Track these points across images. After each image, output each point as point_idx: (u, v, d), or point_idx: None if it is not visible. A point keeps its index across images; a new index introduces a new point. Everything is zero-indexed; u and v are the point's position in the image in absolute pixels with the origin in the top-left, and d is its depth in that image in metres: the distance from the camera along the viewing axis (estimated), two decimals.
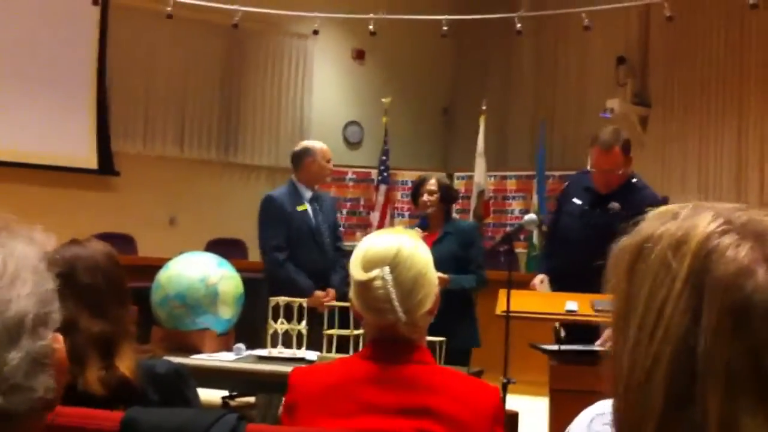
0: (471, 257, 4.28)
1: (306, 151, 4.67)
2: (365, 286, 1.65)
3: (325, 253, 4.55)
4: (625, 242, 0.73)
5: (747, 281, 0.63)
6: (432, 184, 4.36)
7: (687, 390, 0.63)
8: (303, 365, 3.31)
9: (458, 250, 4.20)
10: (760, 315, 0.62)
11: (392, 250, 1.67)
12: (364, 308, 1.68)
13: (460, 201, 9.27)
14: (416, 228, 4.30)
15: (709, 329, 0.63)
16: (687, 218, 0.70)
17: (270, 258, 4.48)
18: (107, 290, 1.83)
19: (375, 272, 1.65)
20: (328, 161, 4.67)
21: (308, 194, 4.61)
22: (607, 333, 3.45)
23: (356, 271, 1.67)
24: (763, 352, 0.62)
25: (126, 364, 1.79)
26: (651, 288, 0.67)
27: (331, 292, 4.41)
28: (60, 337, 0.87)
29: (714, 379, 0.62)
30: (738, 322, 0.63)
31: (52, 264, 1.73)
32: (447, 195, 4.41)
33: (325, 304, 3.90)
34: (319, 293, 4.35)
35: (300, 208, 4.54)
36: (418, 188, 4.42)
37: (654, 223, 0.71)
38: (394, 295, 1.63)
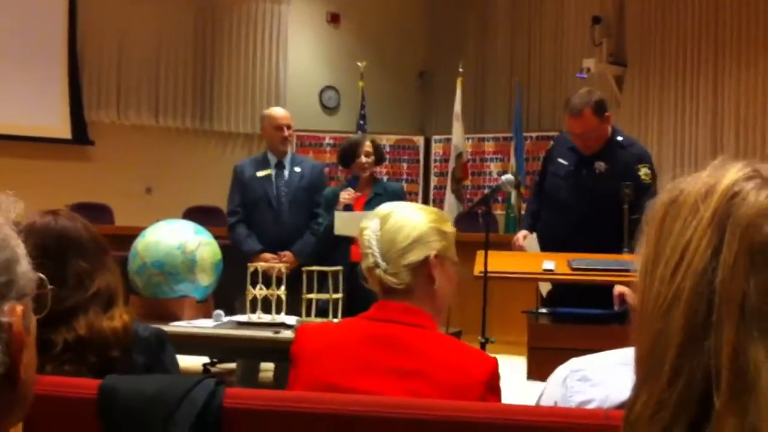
0: None
1: (261, 119, 4.85)
2: (359, 235, 1.81)
3: (281, 218, 4.55)
4: (661, 197, 0.76)
5: (765, 222, 0.67)
6: (368, 146, 4.38)
7: (704, 322, 0.67)
8: (283, 331, 3.35)
9: None
10: None
11: (390, 207, 1.82)
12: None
13: (438, 164, 9.29)
14: (347, 189, 4.32)
15: (727, 266, 0.67)
16: (717, 168, 0.73)
17: (227, 222, 4.66)
18: (100, 247, 1.84)
19: (366, 223, 1.80)
20: (279, 128, 4.62)
21: (274, 160, 4.64)
22: (618, 289, 3.46)
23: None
24: None
25: (129, 312, 1.83)
26: (679, 230, 0.71)
27: (287, 255, 4.41)
28: (18, 308, 0.86)
29: (729, 313, 0.66)
30: (754, 259, 0.66)
31: (45, 234, 1.74)
32: (379, 156, 4.46)
33: (277, 266, 3.81)
34: (266, 256, 4.35)
35: (261, 174, 4.57)
36: (353, 150, 4.41)
37: (688, 178, 0.75)
38: (374, 242, 1.76)
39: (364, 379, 1.66)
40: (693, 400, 0.67)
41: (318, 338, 1.77)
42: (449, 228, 1.85)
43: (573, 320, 3.56)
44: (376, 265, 1.76)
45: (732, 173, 0.71)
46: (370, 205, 4.12)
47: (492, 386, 1.69)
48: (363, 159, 4.36)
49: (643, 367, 0.73)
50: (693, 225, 0.70)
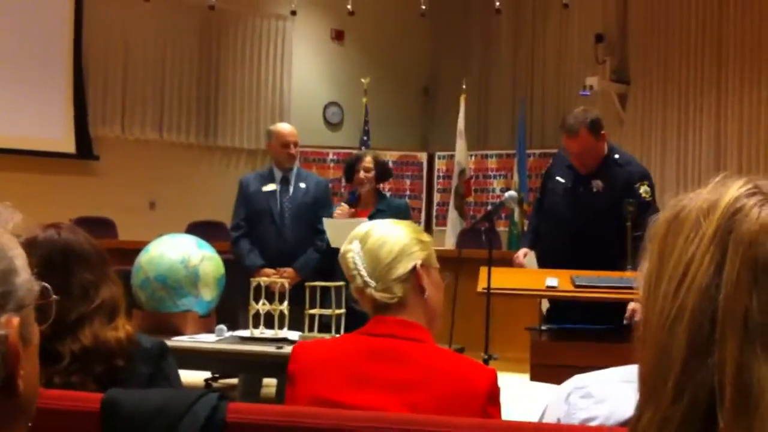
0: None
1: (268, 135, 4.83)
2: (342, 259, 1.82)
3: (284, 233, 4.55)
4: (663, 214, 0.76)
5: (762, 237, 0.67)
6: (368, 161, 4.41)
7: (708, 339, 0.67)
8: (286, 346, 3.34)
9: None
10: None
11: (366, 227, 1.83)
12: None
13: (441, 180, 9.30)
14: (343, 204, 4.34)
15: (730, 282, 0.67)
16: (719, 185, 0.74)
17: (230, 236, 4.68)
18: (102, 259, 1.85)
19: (348, 246, 1.81)
20: (286, 145, 4.63)
21: (279, 175, 4.65)
22: (632, 306, 3.46)
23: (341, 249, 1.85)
24: None
25: (131, 323, 1.84)
26: (682, 246, 0.71)
27: (288, 271, 4.41)
28: (15, 320, 0.86)
29: (732, 330, 0.66)
30: (757, 276, 0.67)
31: (49, 246, 1.75)
32: (382, 172, 4.47)
33: (280, 281, 3.81)
34: (268, 271, 4.36)
35: (266, 189, 4.58)
36: (353, 165, 4.44)
37: (690, 195, 0.75)
38: (359, 263, 1.78)
39: (362, 395, 1.65)
40: (697, 418, 0.67)
41: (315, 355, 1.77)
42: (426, 237, 1.87)
43: (576, 337, 3.55)
44: (366, 285, 1.77)
45: (733, 189, 0.72)
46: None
47: (492, 397, 1.68)
48: (362, 174, 4.39)
49: (646, 384, 0.72)
50: (695, 241, 0.70)
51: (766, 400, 0.64)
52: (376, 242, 1.78)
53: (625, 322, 3.48)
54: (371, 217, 4.19)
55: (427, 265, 1.80)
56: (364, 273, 1.77)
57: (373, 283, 1.76)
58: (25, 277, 0.87)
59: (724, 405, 0.66)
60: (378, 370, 1.68)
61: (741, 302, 0.67)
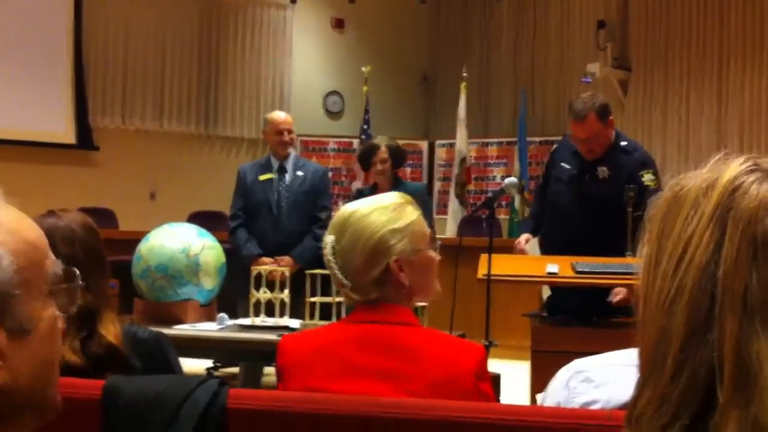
0: None
1: (263, 123, 4.84)
2: (322, 252, 1.75)
3: (281, 222, 4.55)
4: (663, 194, 0.76)
5: (766, 215, 0.67)
6: (383, 152, 4.41)
7: (707, 316, 0.67)
8: (287, 333, 3.35)
9: None
10: None
11: (344, 216, 1.74)
12: None
13: (442, 169, 9.29)
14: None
15: (729, 259, 0.67)
16: (719, 163, 0.74)
17: (228, 226, 4.69)
18: (86, 260, 1.82)
19: (324, 239, 1.75)
20: (280, 133, 4.62)
21: (276, 164, 4.66)
22: (617, 290, 3.47)
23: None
24: None
25: (112, 333, 1.79)
26: (681, 225, 0.71)
27: (285, 260, 4.40)
28: (51, 302, 0.85)
29: (732, 306, 0.66)
30: (757, 252, 0.67)
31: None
32: (397, 159, 4.46)
33: (280, 270, 3.83)
34: (265, 260, 4.35)
35: (263, 178, 4.58)
36: (369, 156, 4.44)
37: (690, 174, 0.75)
38: (333, 262, 1.72)
39: (354, 384, 1.64)
40: (697, 395, 0.68)
41: (303, 347, 1.73)
42: (408, 216, 1.75)
43: (576, 323, 3.55)
44: (342, 285, 1.72)
45: (733, 167, 0.71)
46: None
47: (481, 374, 1.67)
48: (378, 166, 4.42)
49: (646, 364, 0.73)
50: (695, 220, 0.70)
51: (764, 375, 0.65)
52: (349, 240, 1.71)
53: (608, 299, 3.49)
54: None
55: (406, 256, 1.71)
56: (338, 273, 1.72)
57: (348, 284, 1.71)
58: (7, 263, 0.83)
59: (724, 381, 0.66)
60: (368, 357, 1.66)
61: (740, 279, 0.67)
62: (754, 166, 0.71)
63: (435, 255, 1.80)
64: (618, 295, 3.49)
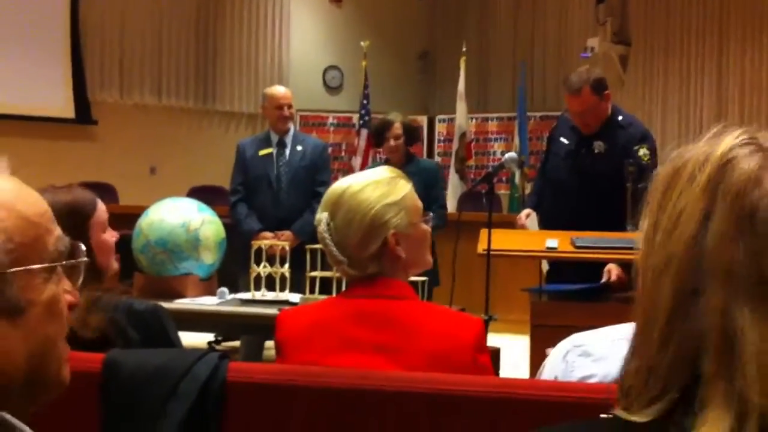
0: (435, 196, 4.34)
1: (262, 98, 4.82)
2: (317, 228, 1.75)
3: (281, 197, 4.55)
4: (664, 168, 0.77)
5: (754, 189, 0.67)
6: (397, 128, 4.39)
7: (693, 288, 0.68)
8: (287, 307, 3.36)
9: (422, 191, 4.20)
10: (762, 220, 0.66)
11: (337, 192, 1.73)
12: None
13: (442, 144, 9.27)
14: None
15: (716, 231, 0.67)
16: (716, 135, 0.74)
17: (229, 201, 4.69)
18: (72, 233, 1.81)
19: (318, 216, 1.74)
20: (279, 107, 4.61)
21: (275, 138, 4.65)
22: (609, 266, 3.49)
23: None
24: (763, 256, 0.66)
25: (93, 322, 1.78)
26: (676, 199, 0.71)
27: (286, 234, 4.41)
28: (54, 279, 0.84)
29: (717, 278, 0.66)
30: (743, 225, 0.67)
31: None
32: (410, 136, 4.45)
33: (281, 244, 3.84)
34: (266, 234, 4.36)
35: (262, 153, 4.58)
36: (382, 131, 4.42)
37: (689, 147, 0.76)
38: (328, 239, 1.71)
39: (353, 357, 1.65)
40: (683, 368, 0.68)
41: (300, 321, 1.74)
42: (401, 189, 1.75)
43: (575, 297, 3.57)
44: (339, 261, 1.72)
45: (728, 141, 0.71)
46: None
47: (480, 347, 1.68)
48: (392, 143, 4.39)
49: (636, 335, 0.73)
50: (688, 192, 0.70)
51: (747, 348, 0.65)
52: (345, 217, 1.70)
53: (603, 280, 3.52)
54: None
55: (402, 230, 1.72)
56: (334, 250, 1.71)
57: (345, 260, 1.71)
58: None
59: (709, 354, 0.66)
60: (365, 331, 1.66)
61: (726, 251, 0.67)
62: (748, 140, 0.71)
63: (427, 228, 1.82)
64: (611, 273, 3.52)
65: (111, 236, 1.96)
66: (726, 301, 0.66)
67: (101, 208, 1.94)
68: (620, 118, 3.84)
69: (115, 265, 1.95)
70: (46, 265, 0.86)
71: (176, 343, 1.92)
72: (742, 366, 0.64)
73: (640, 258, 0.75)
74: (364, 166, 8.66)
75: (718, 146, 0.72)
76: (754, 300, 0.65)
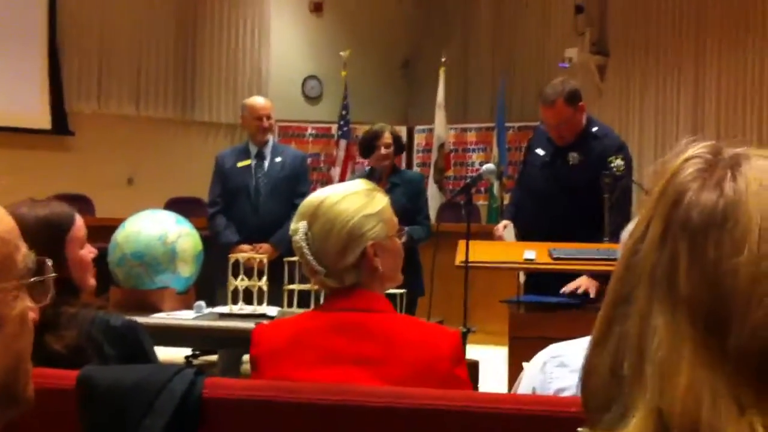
0: (419, 208, 4.34)
1: (242, 108, 4.79)
2: (292, 238, 1.74)
3: (260, 208, 4.53)
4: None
5: (683, 197, 0.69)
6: (388, 136, 4.38)
7: (628, 293, 0.69)
8: (265, 322, 3.35)
9: (407, 202, 4.21)
10: (680, 230, 0.68)
11: (315, 203, 1.73)
12: None
13: (421, 154, 9.29)
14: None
15: (649, 237, 0.69)
16: (684, 148, 0.75)
17: (207, 213, 4.67)
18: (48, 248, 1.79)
19: (294, 226, 1.74)
20: (259, 119, 4.59)
21: (254, 150, 4.64)
22: (579, 280, 3.52)
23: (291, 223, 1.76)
24: (676, 264, 0.67)
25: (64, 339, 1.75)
26: (640, 209, 0.74)
27: (264, 247, 4.40)
28: (21, 296, 0.84)
29: (642, 282, 0.68)
30: (668, 231, 0.68)
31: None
32: (398, 146, 4.46)
33: (258, 257, 3.84)
34: (244, 247, 4.34)
35: (241, 164, 4.56)
36: (372, 141, 4.40)
37: (665, 160, 0.77)
38: (305, 249, 1.70)
39: (331, 371, 1.64)
40: (618, 366, 0.68)
41: (277, 336, 1.73)
42: (379, 202, 1.76)
43: (553, 308, 3.58)
44: (316, 272, 1.71)
45: (689, 152, 0.73)
46: (389, 195, 4.12)
47: (457, 359, 1.68)
48: (383, 150, 4.37)
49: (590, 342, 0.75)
50: (646, 203, 0.72)
51: (652, 351, 0.66)
52: (323, 227, 1.69)
53: (564, 291, 3.54)
54: (387, 192, 4.18)
55: (380, 241, 1.72)
56: (311, 260, 1.70)
57: (322, 270, 1.70)
58: None
59: (630, 358, 0.67)
60: (343, 345, 1.66)
61: (652, 257, 0.68)
62: (702, 153, 0.72)
63: (399, 242, 1.82)
64: (580, 287, 3.54)
65: (89, 252, 1.94)
66: (646, 306, 0.67)
67: (79, 224, 1.92)
68: (595, 129, 3.86)
69: (92, 281, 1.93)
70: (27, 281, 0.87)
71: (153, 359, 1.91)
72: (650, 363, 0.65)
73: None
74: (343, 177, 8.66)
75: (676, 159, 0.73)
76: (664, 306, 0.66)
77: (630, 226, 0.80)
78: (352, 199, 1.73)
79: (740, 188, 0.68)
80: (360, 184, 1.80)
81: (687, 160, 0.72)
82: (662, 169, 0.73)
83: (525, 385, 1.68)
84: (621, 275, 0.71)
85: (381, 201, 1.77)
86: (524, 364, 1.68)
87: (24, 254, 0.89)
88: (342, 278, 1.70)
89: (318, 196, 1.75)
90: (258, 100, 4.78)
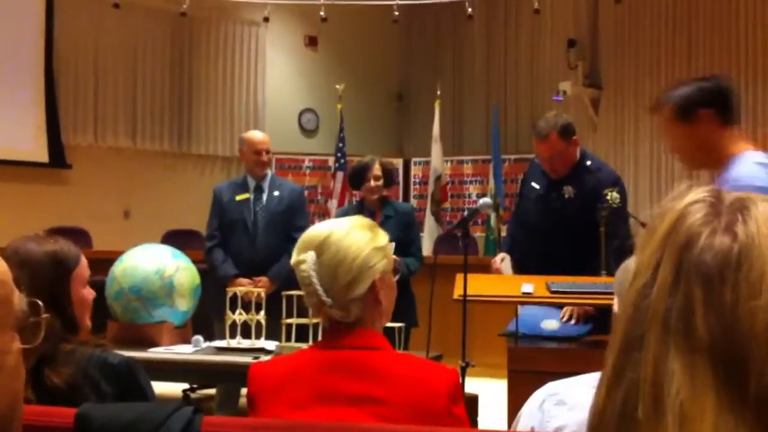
0: (411, 239, 4.36)
1: (240, 142, 4.81)
2: (296, 270, 1.72)
3: (257, 242, 4.53)
4: (647, 225, 0.79)
5: (695, 243, 0.69)
6: (377, 168, 4.39)
7: (639, 336, 0.69)
8: (263, 356, 3.33)
9: (399, 233, 4.22)
10: (695, 275, 0.68)
11: (322, 234, 1.72)
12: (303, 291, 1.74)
13: (417, 186, 9.32)
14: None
15: (659, 281, 0.69)
16: (682, 193, 0.76)
17: (205, 246, 4.65)
18: (30, 286, 1.79)
19: (302, 255, 1.71)
20: (258, 153, 4.61)
21: (252, 183, 4.65)
22: (566, 309, 3.55)
23: (293, 255, 1.74)
24: (692, 309, 0.67)
25: (63, 374, 1.75)
26: (642, 252, 0.74)
27: (262, 280, 4.39)
28: (17, 337, 0.85)
29: (654, 327, 0.68)
30: (680, 276, 0.69)
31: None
32: (388, 178, 4.46)
33: (256, 291, 3.85)
34: (242, 281, 4.34)
35: (239, 198, 4.57)
36: (362, 174, 4.41)
37: (663, 203, 0.78)
38: (315, 279, 1.68)
39: (328, 410, 1.63)
40: (628, 413, 0.68)
41: (273, 374, 1.71)
42: (383, 237, 1.77)
43: (553, 342, 3.57)
44: (322, 303, 1.69)
45: (689, 197, 0.74)
46: (383, 228, 4.13)
47: (454, 397, 1.68)
48: (372, 183, 4.37)
49: (599, 381, 0.74)
50: (649, 246, 0.73)
51: (671, 396, 0.65)
52: (334, 258, 1.69)
53: (562, 318, 3.58)
54: (380, 225, 4.18)
55: (384, 275, 1.73)
56: (320, 290, 1.68)
57: (329, 301, 1.68)
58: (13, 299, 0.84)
59: (644, 403, 0.67)
60: (341, 383, 1.65)
61: (664, 302, 0.69)
62: (707, 196, 0.73)
63: (395, 273, 1.86)
64: (567, 312, 3.60)
65: (89, 293, 1.95)
66: (659, 351, 0.67)
67: (84, 264, 1.94)
68: (589, 162, 3.88)
69: (88, 323, 1.93)
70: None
71: (150, 396, 1.90)
72: (664, 413, 0.65)
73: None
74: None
75: (678, 203, 0.74)
76: (680, 351, 0.66)
77: (630, 263, 0.80)
78: (359, 232, 1.73)
79: (752, 232, 0.68)
80: (361, 219, 1.81)
81: (691, 203, 0.73)
82: (664, 211, 0.74)
83: (523, 424, 1.68)
84: (630, 318, 0.71)
85: (384, 236, 1.78)
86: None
87: (18, 296, 0.90)
88: (348, 310, 1.69)
89: (323, 228, 1.75)
90: (257, 135, 4.80)
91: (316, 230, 1.75)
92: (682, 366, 0.66)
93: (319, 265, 1.69)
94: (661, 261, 0.70)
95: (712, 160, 2.60)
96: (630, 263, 0.78)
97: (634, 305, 0.71)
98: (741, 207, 0.71)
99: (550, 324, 3.68)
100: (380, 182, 4.39)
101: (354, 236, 1.72)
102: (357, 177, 4.47)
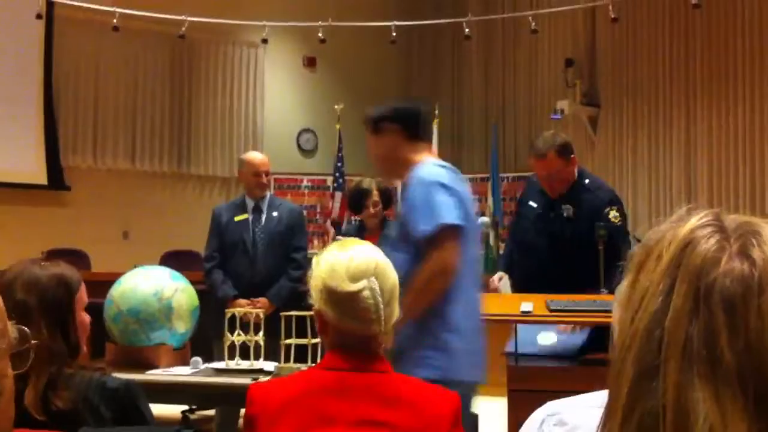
0: None
1: (239, 164, 4.83)
2: (353, 297, 1.68)
3: (256, 263, 4.53)
4: (639, 246, 0.79)
5: (712, 269, 0.69)
6: (375, 195, 4.47)
7: (653, 364, 0.69)
8: (262, 377, 3.32)
9: None
10: (716, 301, 0.68)
11: (372, 262, 1.73)
12: (347, 319, 1.69)
13: None
14: (338, 238, 4.35)
15: (675, 309, 0.69)
16: (684, 217, 0.76)
17: (204, 267, 4.64)
18: (39, 309, 1.79)
19: (363, 283, 1.68)
20: (257, 174, 4.62)
21: (251, 204, 4.64)
22: (561, 326, 3.55)
23: (341, 283, 1.69)
24: (716, 335, 0.67)
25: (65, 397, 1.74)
26: (644, 278, 0.73)
27: (261, 301, 4.39)
28: (9, 363, 0.85)
29: (674, 355, 0.68)
30: (698, 304, 0.68)
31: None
32: (386, 200, 4.51)
33: (255, 312, 3.84)
34: (241, 302, 4.34)
35: (238, 219, 4.57)
36: (360, 201, 4.47)
37: (666, 225, 0.78)
38: (381, 305, 1.68)
39: None
40: None
41: (274, 396, 1.69)
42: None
43: (551, 359, 3.56)
44: (379, 331, 1.70)
45: (692, 222, 0.74)
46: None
47: (456, 420, 1.69)
48: (371, 210, 4.49)
49: (605, 410, 0.74)
50: (654, 272, 0.72)
51: (699, 424, 0.65)
52: (393, 286, 1.73)
53: (558, 331, 3.59)
54: (379, 244, 4.19)
55: None
56: (382, 316, 1.68)
57: (381, 329, 1.70)
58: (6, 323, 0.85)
59: (666, 428, 0.67)
60: (343, 406, 1.64)
61: (682, 329, 0.68)
62: (711, 221, 0.73)
63: None
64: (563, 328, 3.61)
65: (87, 318, 1.96)
66: (681, 378, 0.67)
67: (84, 289, 1.96)
68: (587, 181, 3.89)
69: (84, 348, 1.93)
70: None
71: (149, 420, 1.89)
72: None
73: (615, 335, 0.77)
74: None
75: (682, 228, 0.74)
76: (706, 378, 0.66)
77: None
78: (383, 253, 1.79)
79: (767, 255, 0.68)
80: (364, 243, 1.84)
81: (698, 228, 0.73)
82: (665, 235, 0.74)
83: None
84: (643, 348, 0.70)
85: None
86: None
87: (10, 325, 0.91)
88: (389, 332, 1.72)
89: (369, 255, 1.74)
90: (256, 156, 4.80)
91: (364, 257, 1.72)
92: (709, 394, 0.65)
93: (382, 293, 1.69)
94: (673, 287, 0.70)
95: (401, 168, 2.91)
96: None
97: (644, 334, 0.70)
98: (751, 231, 0.71)
99: (547, 337, 3.68)
100: (378, 207, 4.45)
101: (387, 259, 1.77)
102: (356, 203, 4.55)
